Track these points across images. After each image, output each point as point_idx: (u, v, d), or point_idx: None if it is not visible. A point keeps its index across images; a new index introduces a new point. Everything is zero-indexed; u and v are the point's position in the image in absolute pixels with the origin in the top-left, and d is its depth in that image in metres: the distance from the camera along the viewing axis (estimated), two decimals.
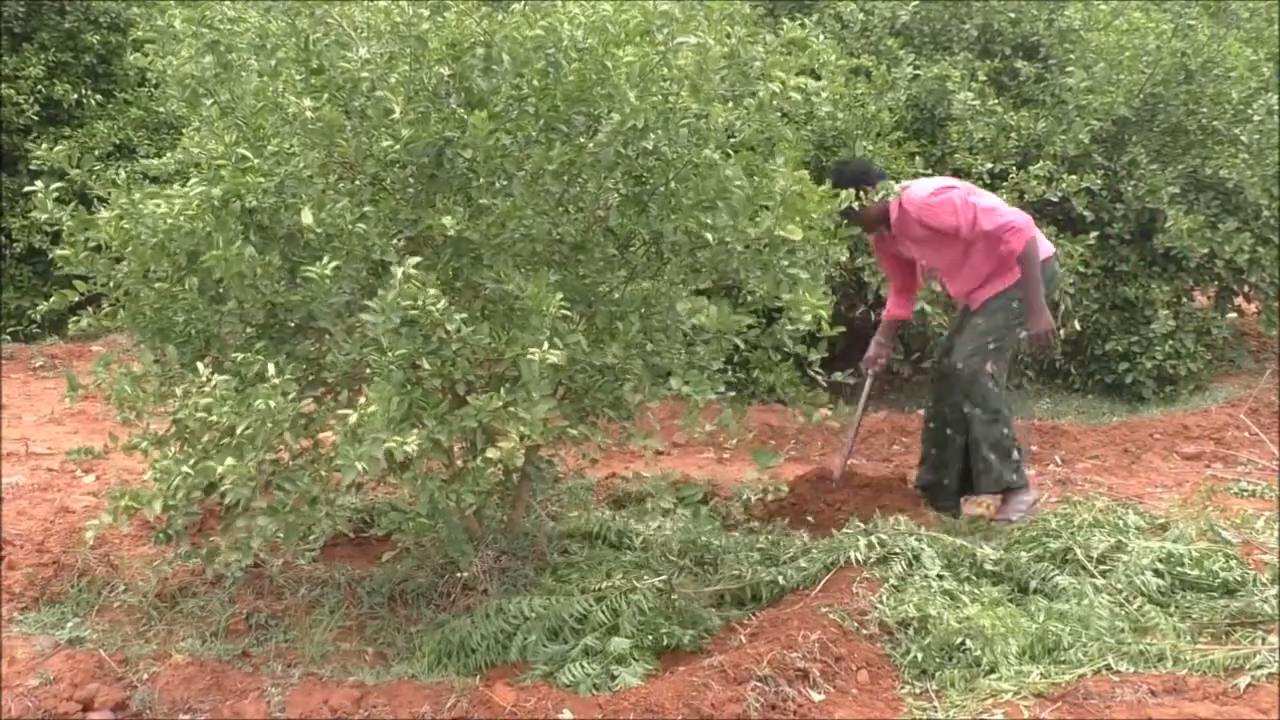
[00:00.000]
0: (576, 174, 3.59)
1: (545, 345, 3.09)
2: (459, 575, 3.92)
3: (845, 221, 4.08)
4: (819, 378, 4.18)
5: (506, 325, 3.34)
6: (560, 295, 3.18)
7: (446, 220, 3.24)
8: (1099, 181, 6.53)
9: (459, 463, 3.66)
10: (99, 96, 8.72)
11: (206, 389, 3.16)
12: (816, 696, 3.31)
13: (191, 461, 3.16)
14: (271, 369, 3.19)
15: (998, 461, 4.65)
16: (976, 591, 3.82)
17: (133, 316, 3.68)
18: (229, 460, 3.03)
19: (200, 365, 3.30)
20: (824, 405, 4.10)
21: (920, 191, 4.54)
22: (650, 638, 3.68)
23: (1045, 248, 4.66)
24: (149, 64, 3.88)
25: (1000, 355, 4.64)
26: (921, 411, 6.75)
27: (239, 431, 3.07)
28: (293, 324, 3.67)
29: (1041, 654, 3.50)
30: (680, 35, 3.38)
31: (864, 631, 3.58)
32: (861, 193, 3.94)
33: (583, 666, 3.50)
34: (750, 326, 3.71)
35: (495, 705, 3.24)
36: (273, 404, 3.05)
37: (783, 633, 3.49)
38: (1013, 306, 4.55)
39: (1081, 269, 6.73)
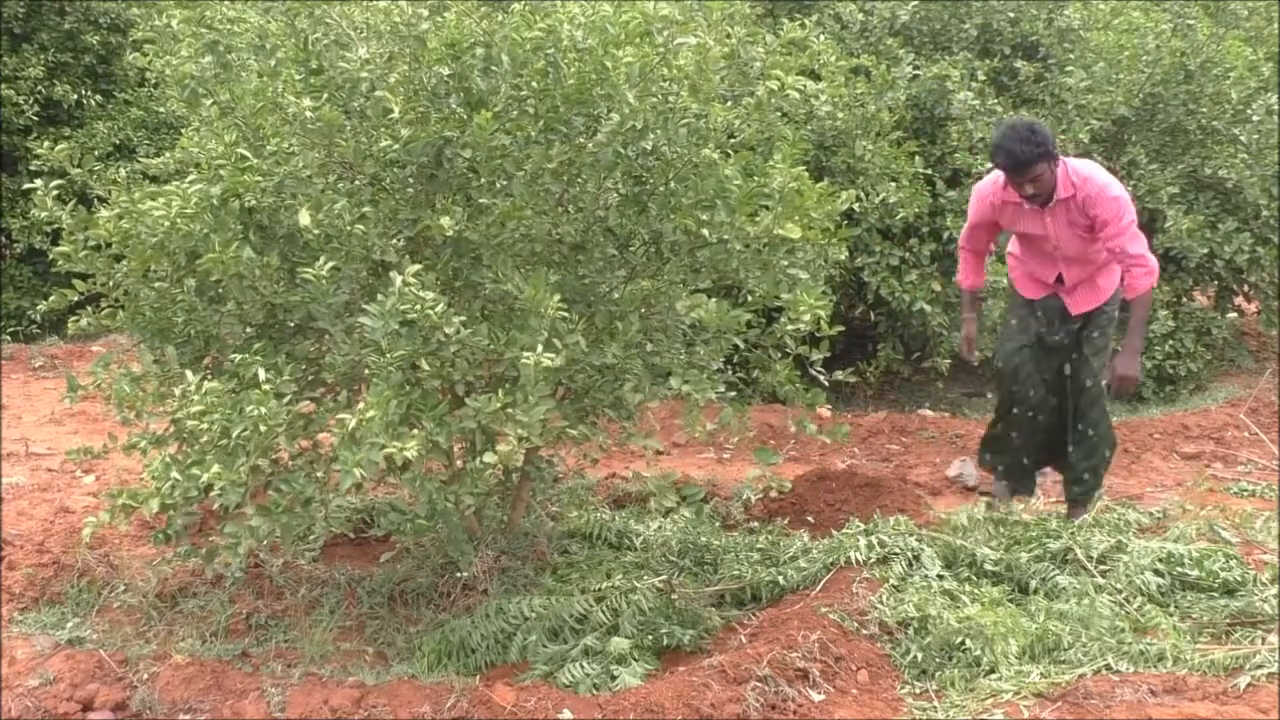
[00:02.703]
0: (576, 174, 3.59)
1: (541, 348, 3.08)
2: (459, 575, 3.92)
3: (1028, 182, 4.14)
4: (820, 377, 4.18)
5: (506, 326, 3.34)
6: (559, 295, 3.18)
7: (445, 220, 3.24)
8: None
9: (458, 463, 3.66)
10: (99, 96, 8.72)
11: (197, 396, 3.16)
12: (816, 696, 3.31)
13: (183, 466, 3.15)
14: (262, 373, 3.19)
15: (1095, 479, 4.74)
16: (977, 591, 3.82)
17: (132, 316, 3.68)
18: (215, 467, 3.02)
19: (189, 374, 3.29)
20: (822, 404, 4.10)
21: (1099, 178, 4.31)
22: (650, 638, 3.68)
23: None
24: (149, 64, 3.89)
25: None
26: (925, 411, 6.79)
27: (233, 435, 3.07)
28: (292, 324, 3.67)
29: (1041, 654, 3.49)
30: (680, 36, 3.38)
31: (864, 631, 3.58)
32: (1055, 160, 4.05)
33: (583, 666, 3.50)
34: (750, 326, 3.71)
35: (495, 705, 3.24)
36: (264, 409, 3.05)
37: (783, 633, 3.49)
38: (1114, 316, 4.60)
39: None
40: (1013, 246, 4.74)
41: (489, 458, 3.21)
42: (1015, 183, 4.28)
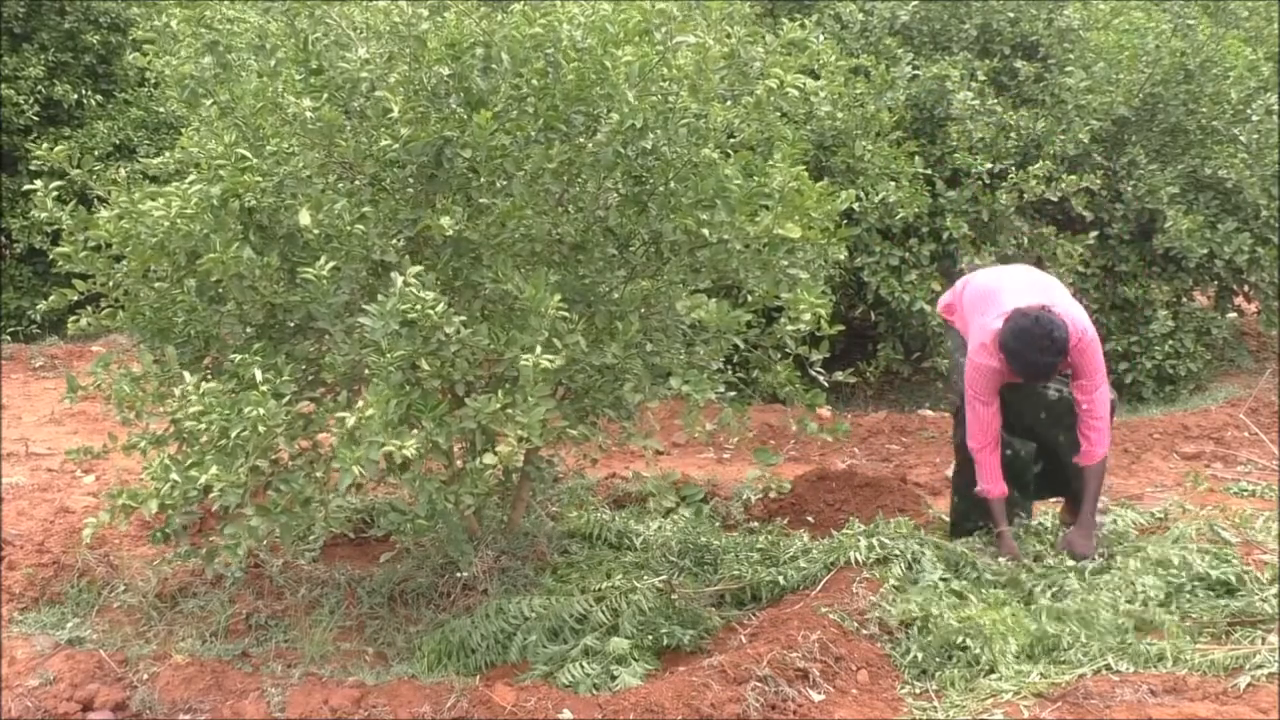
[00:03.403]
0: (576, 174, 3.59)
1: (540, 349, 3.08)
2: (459, 575, 3.92)
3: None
4: (820, 377, 4.18)
5: (506, 326, 3.34)
6: (559, 295, 3.18)
7: (445, 220, 3.24)
8: (1098, 181, 6.53)
9: (458, 463, 3.66)
10: (99, 96, 8.72)
11: (196, 396, 3.16)
12: (816, 696, 3.31)
13: (182, 467, 3.15)
14: (259, 375, 3.19)
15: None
16: (979, 592, 3.82)
17: (132, 316, 3.68)
18: (214, 469, 3.02)
19: (188, 374, 3.29)
20: (822, 404, 4.10)
21: (1089, 330, 4.08)
22: (650, 638, 3.68)
23: None
24: (149, 64, 3.89)
25: None
26: (925, 411, 6.78)
27: (232, 436, 3.07)
28: (292, 324, 3.67)
29: (1041, 654, 3.49)
30: (679, 35, 3.38)
31: (864, 631, 3.58)
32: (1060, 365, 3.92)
33: (583, 666, 3.50)
34: (750, 326, 3.71)
35: (495, 705, 3.24)
36: (262, 411, 3.05)
37: (783, 633, 3.49)
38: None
39: (1081, 269, 6.73)
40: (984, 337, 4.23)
41: (489, 458, 3.21)
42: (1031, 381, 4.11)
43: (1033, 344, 3.89)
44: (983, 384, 4.13)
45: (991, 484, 4.19)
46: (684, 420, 3.58)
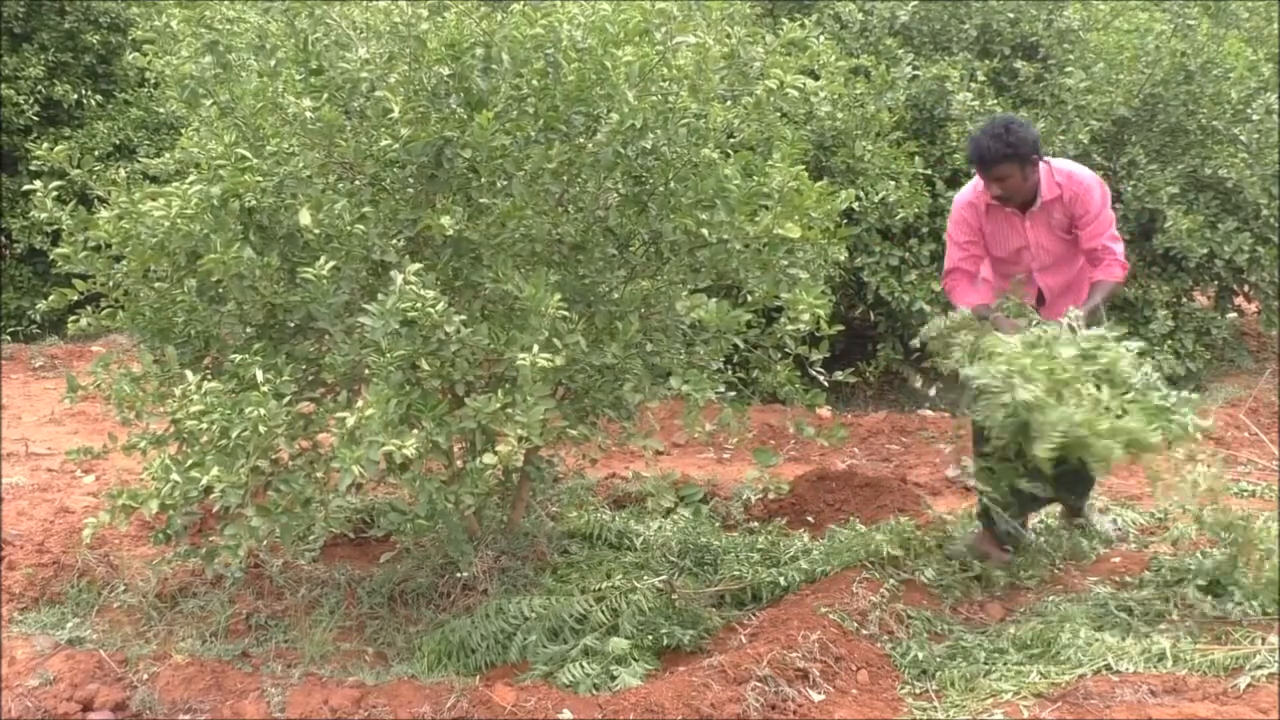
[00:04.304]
0: (576, 174, 3.59)
1: (537, 349, 3.08)
2: (459, 575, 3.92)
3: (993, 181, 3.91)
4: (820, 377, 4.18)
5: (506, 325, 3.34)
6: (559, 295, 3.18)
7: (445, 220, 3.24)
8: None
9: (458, 463, 3.66)
10: (99, 97, 8.73)
11: (196, 396, 3.16)
12: (816, 696, 3.31)
13: (182, 468, 3.15)
14: (260, 375, 3.19)
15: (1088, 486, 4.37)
16: None
17: (132, 317, 3.68)
18: (215, 469, 3.02)
19: (189, 374, 3.29)
20: (822, 405, 4.10)
21: (1083, 175, 4.10)
22: (650, 638, 3.68)
23: None
24: (149, 64, 3.89)
25: None
26: (925, 411, 6.78)
27: (233, 436, 3.07)
28: (292, 324, 3.67)
29: (1041, 654, 3.49)
30: (679, 35, 3.38)
31: (864, 631, 3.58)
32: (1029, 165, 3.86)
33: (583, 666, 3.50)
34: (750, 326, 3.71)
35: (495, 705, 3.24)
36: (264, 410, 3.05)
37: (783, 633, 3.49)
38: (1100, 313, 4.19)
39: None
40: (985, 273, 4.28)
41: (489, 458, 3.21)
42: (984, 180, 4.04)
43: (988, 129, 3.95)
44: (954, 220, 4.21)
45: (960, 297, 4.17)
46: (684, 420, 3.58)
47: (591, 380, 3.69)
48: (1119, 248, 4.14)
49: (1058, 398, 3.49)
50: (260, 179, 3.40)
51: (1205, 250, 6.67)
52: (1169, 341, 6.92)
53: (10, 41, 8.41)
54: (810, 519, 4.69)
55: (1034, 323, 3.85)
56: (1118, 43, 6.71)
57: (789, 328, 3.90)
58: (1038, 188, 4.03)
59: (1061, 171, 4.06)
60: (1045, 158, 4.07)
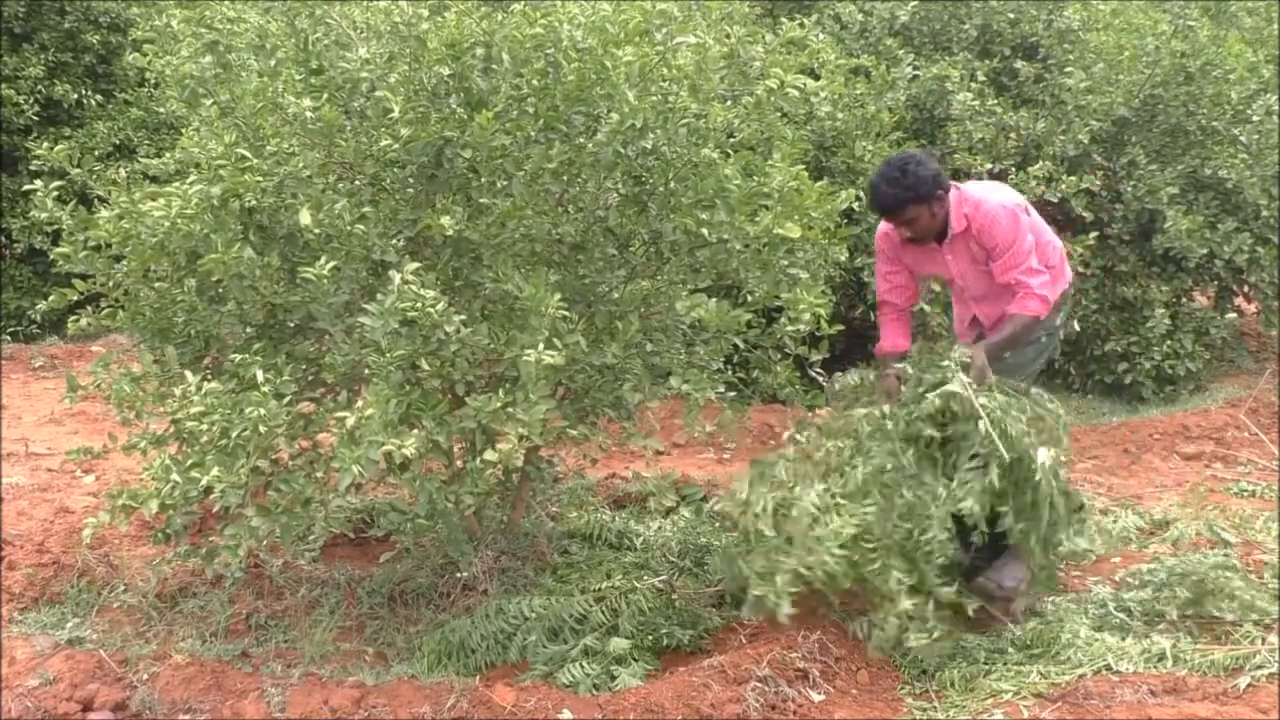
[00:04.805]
0: (576, 174, 3.59)
1: (541, 346, 3.08)
2: (459, 575, 3.92)
3: (902, 224, 3.72)
4: (820, 378, 4.18)
5: (506, 325, 3.34)
6: (559, 295, 3.18)
7: (445, 220, 3.24)
8: (1098, 182, 6.53)
9: (458, 463, 3.66)
10: (99, 96, 8.72)
11: (196, 396, 3.16)
12: (816, 696, 3.31)
13: (183, 467, 3.15)
14: (260, 375, 3.19)
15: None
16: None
17: (132, 316, 3.68)
18: (215, 469, 3.02)
19: (189, 374, 3.29)
20: (822, 405, 4.10)
21: (990, 204, 3.78)
22: (650, 638, 3.68)
23: (1069, 273, 4.03)
24: (149, 64, 3.89)
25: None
26: None
27: (233, 436, 3.07)
28: (292, 324, 3.67)
29: (1041, 654, 3.49)
30: (679, 35, 3.38)
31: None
32: (934, 201, 3.66)
33: (583, 666, 3.50)
34: (750, 326, 3.71)
35: (495, 705, 3.24)
36: (264, 410, 3.05)
37: (783, 633, 3.49)
38: (1041, 340, 3.93)
39: (1081, 269, 6.73)
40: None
41: (489, 456, 3.21)
42: (891, 224, 3.87)
43: (885, 172, 3.73)
44: (876, 250, 4.08)
45: (881, 339, 4.04)
46: (684, 420, 3.58)
47: (591, 380, 3.69)
48: (1036, 281, 3.74)
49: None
50: (260, 179, 3.40)
51: (1205, 250, 6.67)
52: (1168, 342, 6.92)
53: (10, 41, 8.41)
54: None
55: (920, 386, 3.64)
56: (1118, 43, 6.71)
57: (789, 328, 3.90)
58: (948, 219, 3.79)
59: (970, 200, 3.78)
60: (956, 185, 3.83)
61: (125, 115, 8.74)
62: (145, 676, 3.40)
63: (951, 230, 3.80)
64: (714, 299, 3.60)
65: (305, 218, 3.23)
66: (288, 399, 3.22)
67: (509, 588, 3.93)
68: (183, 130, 4.09)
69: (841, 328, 4.19)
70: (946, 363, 3.62)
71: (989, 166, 6.53)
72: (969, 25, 7.25)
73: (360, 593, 3.99)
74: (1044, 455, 3.46)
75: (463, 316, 3.19)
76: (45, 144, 3.96)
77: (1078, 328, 6.96)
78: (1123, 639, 3.50)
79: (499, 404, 3.15)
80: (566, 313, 3.24)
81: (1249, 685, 3.20)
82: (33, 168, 4.50)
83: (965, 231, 3.78)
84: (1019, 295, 3.77)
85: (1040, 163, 6.41)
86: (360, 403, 3.11)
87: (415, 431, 3.07)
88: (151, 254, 3.45)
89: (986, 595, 3.67)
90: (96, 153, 8.25)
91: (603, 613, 3.74)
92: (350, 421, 3.02)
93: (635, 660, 3.55)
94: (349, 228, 3.29)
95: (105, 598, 3.90)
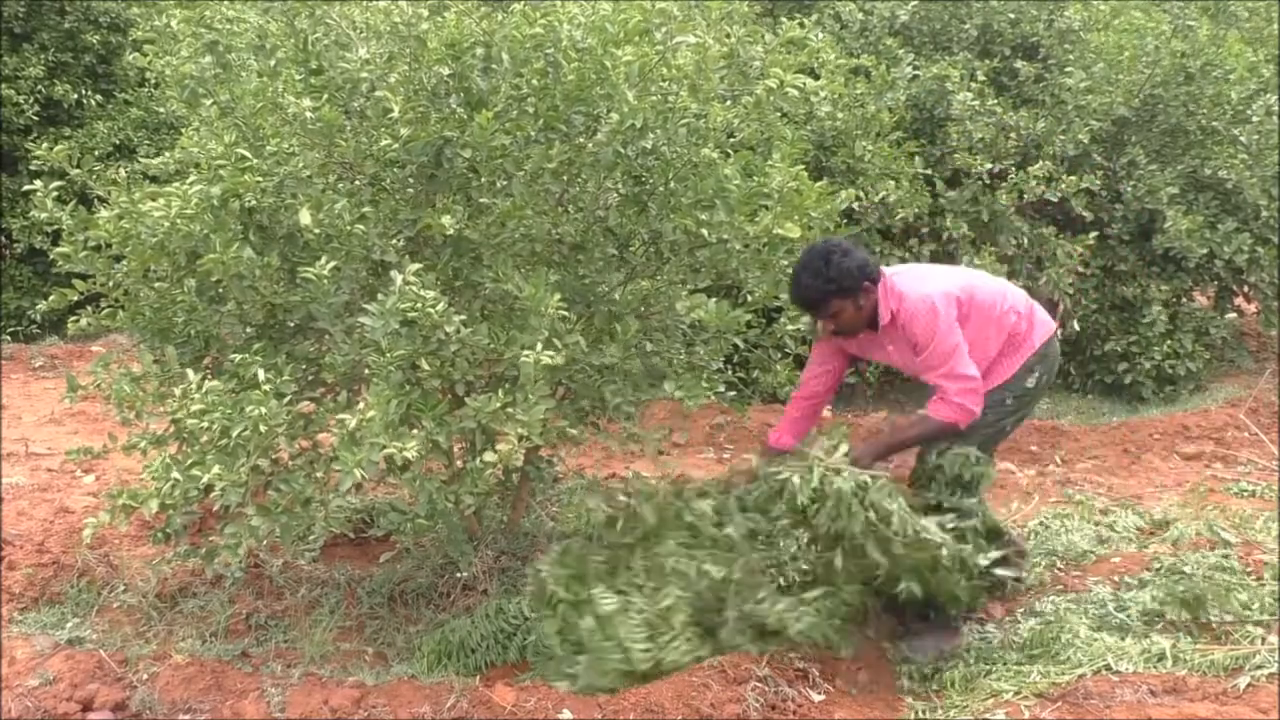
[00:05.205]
0: (576, 174, 3.59)
1: (540, 346, 3.08)
2: (459, 575, 3.92)
3: (827, 318, 3.53)
4: None
5: (506, 325, 3.34)
6: (559, 295, 3.18)
7: (445, 219, 3.24)
8: (1098, 182, 6.53)
9: (458, 464, 3.66)
10: (99, 96, 8.72)
11: (197, 396, 3.16)
12: (816, 696, 3.31)
13: (183, 466, 3.15)
14: (261, 374, 3.19)
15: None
16: None
17: (132, 316, 3.68)
18: (216, 468, 3.02)
19: (190, 373, 3.29)
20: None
21: (913, 298, 3.55)
22: None
23: (1043, 328, 3.79)
24: (149, 64, 3.89)
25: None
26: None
27: (233, 435, 3.07)
28: (292, 324, 3.67)
29: (1041, 654, 3.50)
30: (679, 35, 3.38)
31: (864, 631, 3.58)
32: (860, 294, 3.46)
33: None
34: (750, 326, 3.71)
35: (495, 705, 3.24)
36: (264, 410, 3.05)
37: None
38: (1006, 403, 3.71)
39: (1081, 269, 6.73)
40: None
41: (489, 456, 3.21)
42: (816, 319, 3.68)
43: (807, 263, 3.52)
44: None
45: (778, 433, 3.87)
46: (678, 424, 3.56)
47: (591, 380, 3.69)
48: (954, 386, 3.50)
49: None
50: (260, 179, 3.40)
51: (1205, 250, 6.68)
52: (1168, 341, 6.93)
53: (10, 41, 8.41)
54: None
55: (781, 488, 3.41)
56: (1118, 43, 6.71)
57: (789, 328, 3.90)
58: (877, 308, 3.58)
59: (894, 293, 3.56)
60: (886, 272, 3.60)
61: (125, 115, 8.75)
62: (145, 676, 3.41)
63: (881, 321, 3.59)
64: (714, 299, 3.60)
65: (305, 218, 3.23)
66: (288, 399, 3.22)
67: (509, 588, 3.93)
68: (183, 130, 4.09)
69: None
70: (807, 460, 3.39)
71: (989, 166, 6.53)
72: (969, 25, 7.25)
73: (360, 593, 3.99)
74: (929, 523, 3.35)
75: (463, 316, 3.19)
76: (45, 144, 3.96)
77: (1078, 327, 6.96)
78: (1123, 639, 3.51)
79: (498, 404, 3.15)
80: (566, 312, 3.24)
81: (1249, 685, 3.20)
82: (33, 168, 4.50)
83: (892, 323, 3.58)
84: (935, 396, 3.57)
85: (1040, 162, 6.41)
86: (361, 404, 3.11)
87: (415, 432, 3.07)
88: (151, 254, 3.45)
89: (900, 658, 3.59)
90: (96, 153, 8.25)
91: None
92: (351, 423, 3.02)
93: None
94: (349, 228, 3.29)
95: (105, 598, 3.90)
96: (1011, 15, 7.30)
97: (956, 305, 3.56)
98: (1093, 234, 6.58)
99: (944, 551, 3.32)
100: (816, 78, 5.18)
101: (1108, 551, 4.30)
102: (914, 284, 3.58)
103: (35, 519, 4.43)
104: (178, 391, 3.29)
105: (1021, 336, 3.71)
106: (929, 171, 6.58)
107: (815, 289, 3.49)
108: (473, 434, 3.40)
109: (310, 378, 3.69)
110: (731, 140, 3.77)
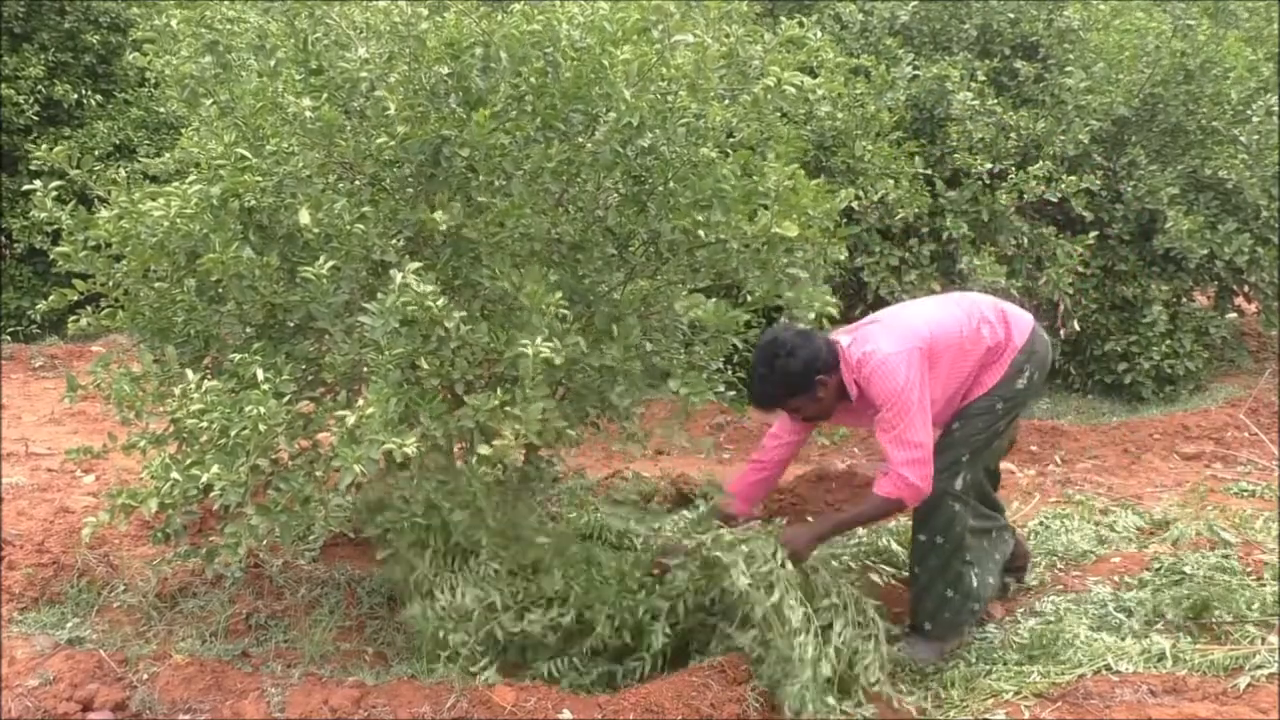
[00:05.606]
0: (575, 173, 3.59)
1: (540, 340, 3.08)
2: None
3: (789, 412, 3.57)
4: None
5: (505, 325, 3.34)
6: (559, 294, 3.18)
7: (439, 215, 3.24)
8: (1098, 182, 6.53)
9: (458, 463, 3.65)
10: (99, 96, 8.73)
11: (196, 395, 3.16)
12: None
13: (183, 466, 3.15)
14: (261, 374, 3.18)
15: (959, 601, 3.67)
16: None
17: (132, 316, 3.68)
18: (215, 467, 3.02)
19: (190, 372, 3.28)
20: None
21: (875, 359, 3.51)
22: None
23: (1021, 325, 3.75)
24: (149, 64, 3.89)
25: (973, 466, 3.72)
26: None
27: (233, 435, 3.07)
28: (292, 324, 3.67)
29: (1041, 654, 3.49)
30: (677, 34, 3.38)
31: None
32: (814, 388, 3.47)
33: None
34: (750, 326, 3.71)
35: (495, 705, 3.24)
36: (263, 409, 3.05)
37: None
38: (996, 409, 3.67)
39: (1081, 269, 6.73)
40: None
41: (484, 450, 3.20)
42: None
43: (755, 363, 3.57)
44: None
45: (739, 477, 3.96)
46: (663, 430, 3.57)
47: (591, 380, 3.69)
48: (900, 455, 3.42)
49: None
50: (260, 179, 3.40)
51: (1205, 251, 6.68)
52: (1167, 341, 6.93)
53: (10, 41, 8.41)
54: (810, 519, 4.68)
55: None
56: (1118, 43, 6.72)
57: None
58: (843, 387, 3.59)
59: (853, 364, 3.55)
60: (842, 345, 3.58)
61: (125, 115, 8.75)
62: (145, 676, 3.40)
63: (851, 394, 3.59)
64: (713, 299, 3.60)
65: (305, 217, 3.23)
66: (287, 398, 3.22)
67: None
68: (183, 130, 4.09)
69: None
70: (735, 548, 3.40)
71: (989, 166, 6.54)
72: (969, 25, 7.25)
73: (360, 592, 3.99)
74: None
75: (462, 314, 3.19)
76: (45, 144, 3.97)
77: (1078, 327, 6.96)
78: (1123, 639, 3.51)
79: (496, 402, 3.15)
80: (566, 311, 3.24)
81: (1249, 685, 3.20)
82: (33, 168, 4.50)
83: (861, 395, 3.57)
84: (880, 471, 3.54)
85: (1040, 162, 6.41)
86: (360, 401, 3.11)
87: (414, 430, 3.07)
88: (151, 254, 3.45)
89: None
90: (96, 153, 8.25)
91: None
92: (350, 420, 3.02)
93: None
94: (348, 227, 3.29)
95: (105, 598, 3.90)
96: (1011, 15, 7.30)
97: (920, 358, 3.49)
98: (1093, 234, 6.58)
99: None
100: (816, 77, 5.19)
101: (1108, 551, 4.30)
102: (875, 344, 3.53)
103: (35, 519, 4.43)
104: (177, 391, 3.29)
105: (1001, 344, 3.68)
106: (929, 171, 6.59)
107: (767, 395, 3.54)
108: (471, 433, 3.40)
109: (310, 377, 3.69)
110: (731, 140, 3.77)
